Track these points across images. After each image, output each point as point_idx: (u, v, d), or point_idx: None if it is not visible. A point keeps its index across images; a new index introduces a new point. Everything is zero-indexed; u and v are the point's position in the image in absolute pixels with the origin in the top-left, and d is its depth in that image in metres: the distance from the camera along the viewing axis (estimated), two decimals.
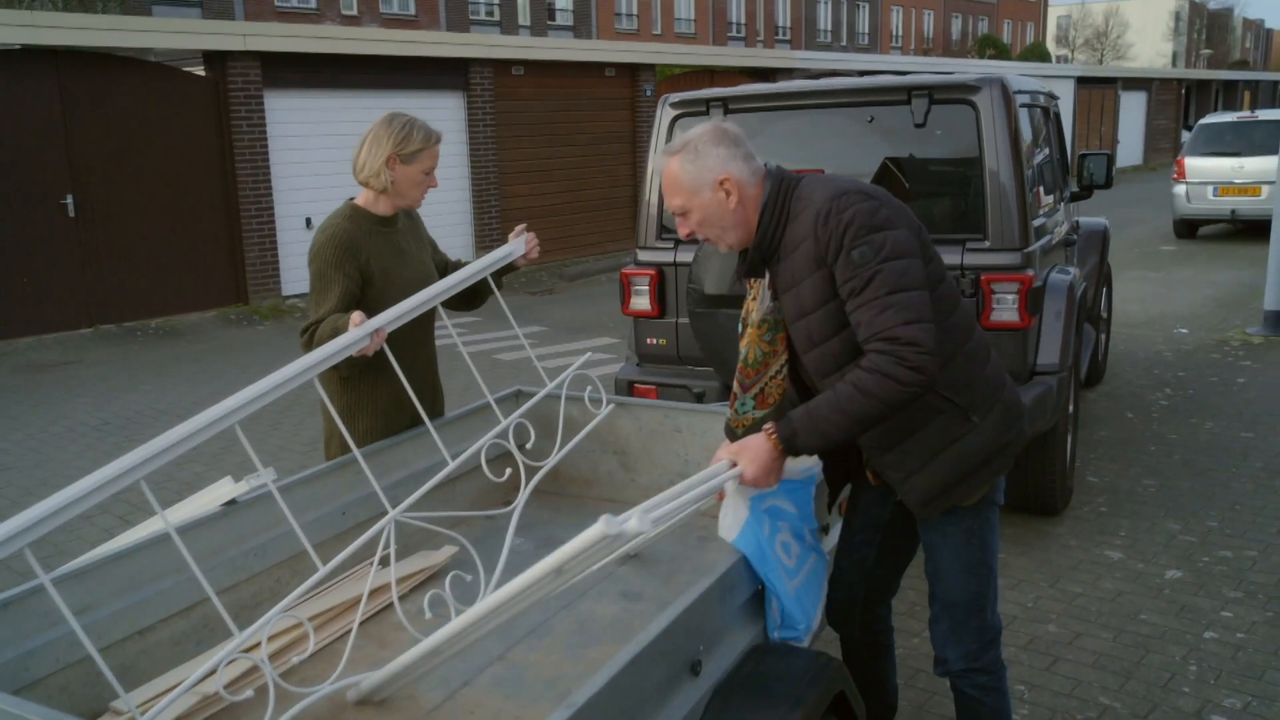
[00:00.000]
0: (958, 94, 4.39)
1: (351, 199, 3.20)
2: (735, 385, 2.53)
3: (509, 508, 3.03)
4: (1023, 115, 4.72)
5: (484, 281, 3.36)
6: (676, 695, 2.04)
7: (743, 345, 2.50)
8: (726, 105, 4.78)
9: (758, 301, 2.47)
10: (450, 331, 3.59)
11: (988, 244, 4.34)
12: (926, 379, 2.12)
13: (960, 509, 2.44)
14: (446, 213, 13.51)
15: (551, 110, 14.86)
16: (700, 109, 4.84)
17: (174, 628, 2.55)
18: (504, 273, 3.41)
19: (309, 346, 2.94)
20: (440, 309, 3.19)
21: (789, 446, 2.26)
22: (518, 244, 3.32)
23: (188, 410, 7.41)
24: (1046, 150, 5.44)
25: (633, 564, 3.02)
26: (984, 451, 2.36)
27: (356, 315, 2.76)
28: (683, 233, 2.41)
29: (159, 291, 11.05)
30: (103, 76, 10.51)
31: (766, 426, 2.28)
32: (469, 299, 3.41)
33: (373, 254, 3.10)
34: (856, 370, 2.18)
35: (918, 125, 4.44)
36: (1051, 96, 5.81)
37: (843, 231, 2.20)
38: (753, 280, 2.50)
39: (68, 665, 2.31)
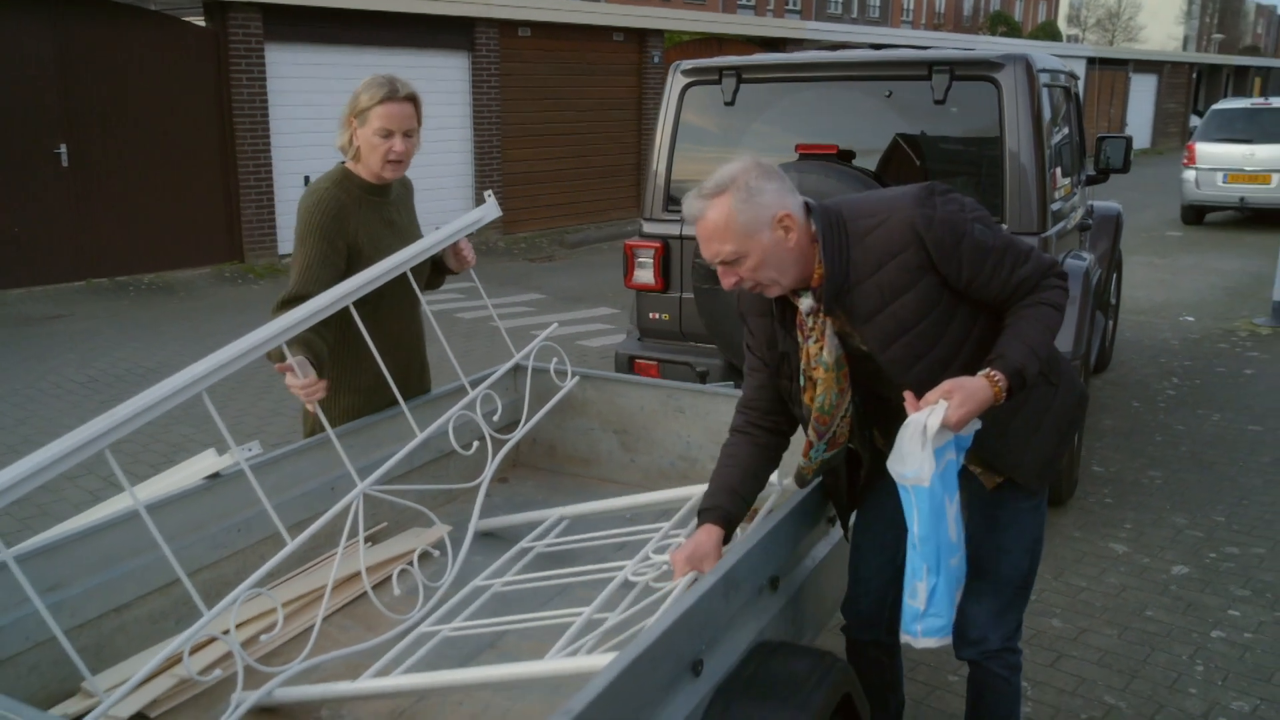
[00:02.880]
0: (980, 71, 4.24)
1: (343, 161, 3.02)
2: (810, 433, 2.34)
3: (475, 481, 2.94)
4: (1044, 95, 4.57)
5: (426, 270, 3.21)
6: (678, 695, 1.95)
7: (818, 393, 2.29)
8: (740, 75, 4.62)
9: (825, 343, 2.25)
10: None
11: (1005, 226, 4.20)
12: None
13: (1030, 486, 2.41)
14: (447, 175, 13.33)
15: (557, 74, 14.62)
16: (713, 77, 4.68)
17: (152, 605, 2.45)
18: (441, 273, 3.26)
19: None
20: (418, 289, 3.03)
21: (1018, 381, 2.11)
22: (490, 206, 3.16)
23: (178, 369, 7.28)
24: (1066, 131, 5.29)
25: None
26: (1072, 408, 2.40)
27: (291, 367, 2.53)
28: (729, 283, 2.19)
29: (153, 246, 10.88)
30: (100, 23, 10.28)
31: (985, 371, 2.10)
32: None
33: (361, 224, 2.92)
34: (1036, 298, 2.19)
35: (937, 102, 4.29)
36: (1072, 76, 5.66)
37: (951, 223, 2.14)
38: (806, 324, 2.27)
39: (37, 644, 2.20)
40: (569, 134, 14.97)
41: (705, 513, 2.36)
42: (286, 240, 11.78)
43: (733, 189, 2.11)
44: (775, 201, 2.13)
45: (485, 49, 13.49)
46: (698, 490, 2.73)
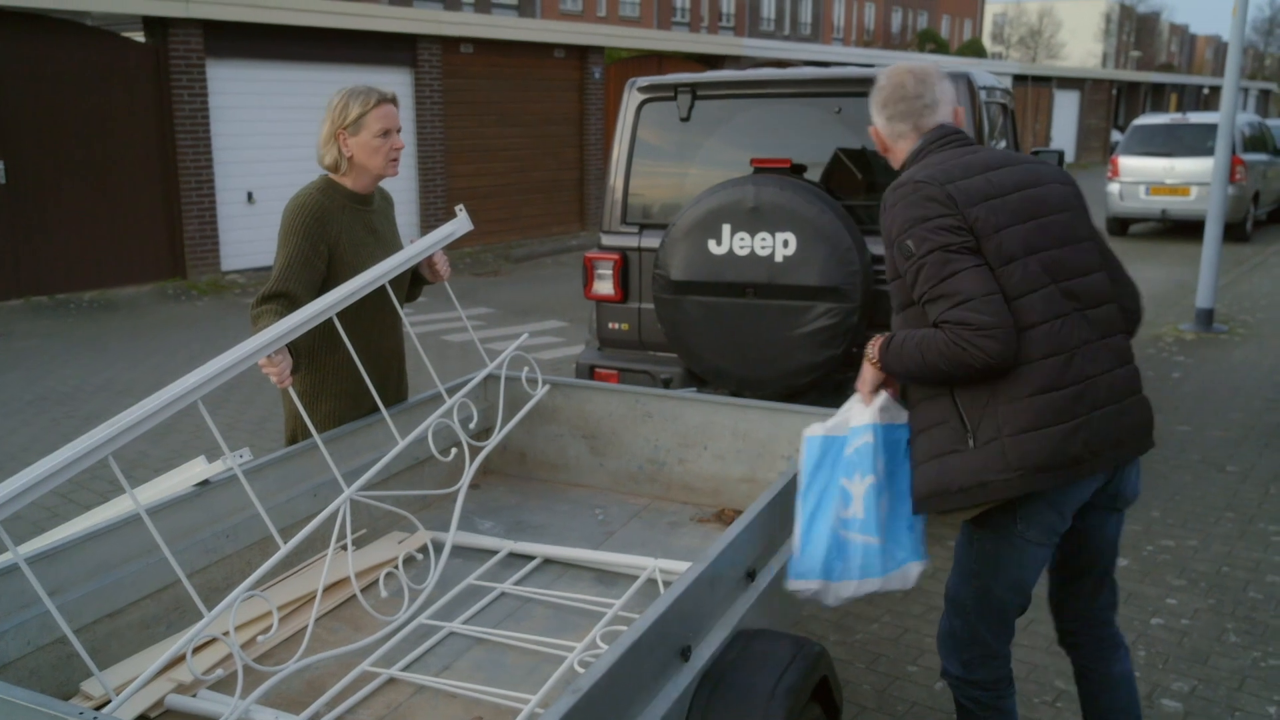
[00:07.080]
0: None
1: (326, 173, 3.13)
2: None
3: (453, 488, 3.01)
4: (984, 111, 4.78)
5: (406, 282, 3.28)
6: (668, 680, 2.06)
7: None
8: (695, 91, 4.77)
9: None
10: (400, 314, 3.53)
11: None
12: (997, 346, 2.17)
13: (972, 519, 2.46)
14: (391, 190, 13.24)
15: (499, 90, 14.71)
16: (668, 94, 4.82)
17: (144, 610, 2.49)
18: (418, 284, 3.35)
19: (255, 323, 2.83)
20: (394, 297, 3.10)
21: (882, 359, 2.43)
22: (462, 220, 3.26)
23: (127, 386, 7.22)
24: (1003, 145, 5.52)
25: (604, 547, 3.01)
26: (962, 477, 2.29)
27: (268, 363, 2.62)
28: None
29: (93, 263, 10.72)
30: (36, 39, 10.14)
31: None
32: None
33: (344, 230, 3.03)
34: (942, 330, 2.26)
35: None
36: (1008, 93, 5.90)
37: (890, 223, 2.33)
38: None
39: (37, 648, 2.24)
40: (512, 149, 15.05)
41: None
42: (230, 257, 11.68)
43: None
44: None
45: (428, 65, 13.54)
46: (651, 563, 2.82)
